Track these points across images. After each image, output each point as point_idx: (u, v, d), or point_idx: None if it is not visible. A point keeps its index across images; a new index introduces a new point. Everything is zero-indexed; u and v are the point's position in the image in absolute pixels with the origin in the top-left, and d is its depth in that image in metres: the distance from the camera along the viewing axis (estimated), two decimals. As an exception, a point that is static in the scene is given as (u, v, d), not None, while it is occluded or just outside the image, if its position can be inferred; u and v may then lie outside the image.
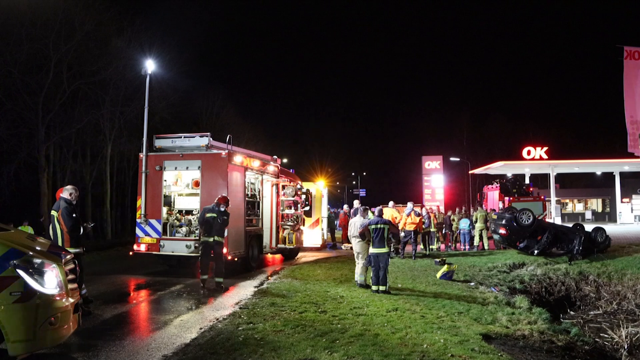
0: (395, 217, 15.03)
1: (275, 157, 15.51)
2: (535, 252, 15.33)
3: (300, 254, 16.62)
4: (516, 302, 9.34)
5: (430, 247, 17.53)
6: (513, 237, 15.89)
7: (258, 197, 13.46)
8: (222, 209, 9.91)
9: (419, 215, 15.79)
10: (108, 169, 27.16)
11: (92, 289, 8.87)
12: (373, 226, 9.45)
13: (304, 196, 15.69)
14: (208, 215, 9.86)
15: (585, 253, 14.64)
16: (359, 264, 10.12)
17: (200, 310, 7.90)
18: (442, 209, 25.25)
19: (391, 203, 16.87)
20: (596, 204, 46.96)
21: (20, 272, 4.46)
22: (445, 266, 11.42)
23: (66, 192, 7.70)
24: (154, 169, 11.89)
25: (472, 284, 11.01)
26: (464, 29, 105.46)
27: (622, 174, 36.28)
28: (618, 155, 32.05)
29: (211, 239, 9.77)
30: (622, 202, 35.59)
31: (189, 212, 12.10)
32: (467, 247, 18.61)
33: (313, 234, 18.45)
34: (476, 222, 18.43)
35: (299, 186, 15.45)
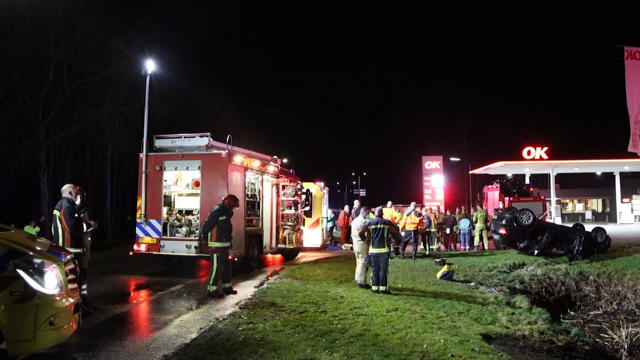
0: (395, 217, 15.02)
1: (275, 157, 15.51)
2: (536, 252, 15.31)
3: (300, 254, 16.62)
4: (516, 302, 9.33)
5: (431, 247, 17.53)
6: (513, 237, 15.88)
7: (258, 197, 13.45)
8: (232, 211, 9.37)
9: (419, 215, 15.78)
10: (108, 169, 27.18)
11: (92, 289, 8.87)
12: (373, 226, 9.45)
13: (304, 196, 15.68)
14: (222, 218, 9.03)
15: (585, 253, 14.63)
16: (359, 264, 10.11)
17: (201, 310, 7.90)
18: (442, 209, 25.25)
19: (389, 203, 16.88)
20: (596, 204, 46.95)
21: (21, 272, 4.46)
22: (446, 266, 11.41)
23: (66, 192, 7.71)
24: (154, 169, 11.88)
25: (472, 284, 11.00)
26: (464, 29, 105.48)
27: (622, 174, 36.30)
28: (618, 155, 32.05)
29: (228, 244, 9.09)
30: (622, 202, 35.61)
31: (189, 212, 12.09)
32: (467, 247, 18.60)
33: (313, 234, 18.45)
34: (476, 222, 18.42)
35: (299, 186, 15.44)
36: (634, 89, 25.60)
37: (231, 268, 9.51)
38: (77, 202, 7.70)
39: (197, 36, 70.29)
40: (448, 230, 18.99)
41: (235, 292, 9.18)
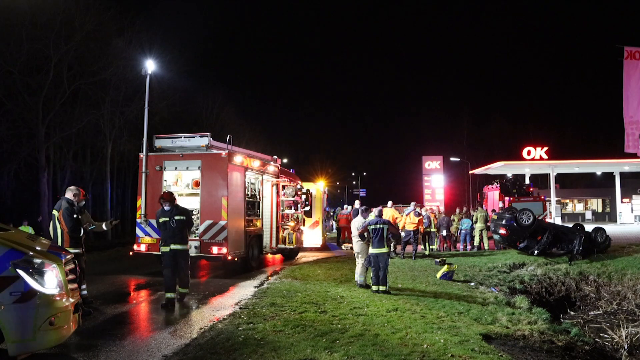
0: (396, 218, 15.02)
1: (275, 157, 15.49)
2: (536, 252, 15.31)
3: (300, 254, 16.62)
4: (516, 302, 9.34)
5: (431, 247, 17.52)
6: (513, 237, 15.88)
7: (258, 197, 13.45)
8: (167, 208, 8.34)
9: (419, 215, 15.77)
10: (108, 169, 27.19)
11: (92, 289, 8.87)
12: (372, 226, 9.45)
13: (304, 196, 15.67)
14: (161, 219, 8.36)
15: (585, 253, 14.63)
16: (359, 264, 10.11)
17: (201, 310, 7.90)
18: (442, 209, 25.25)
19: (390, 203, 16.88)
20: (596, 204, 46.94)
21: (21, 272, 4.46)
22: (446, 266, 11.41)
23: (70, 193, 7.72)
24: (154, 169, 11.88)
25: (472, 284, 11.00)
26: (465, 29, 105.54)
27: (622, 174, 36.29)
28: (618, 155, 31.96)
29: (167, 248, 8.24)
30: (622, 202, 35.59)
31: (189, 212, 12.06)
32: (468, 247, 18.58)
33: (313, 234, 18.45)
34: (476, 222, 18.41)
35: (299, 186, 15.44)
36: (632, 89, 25.62)
37: (171, 279, 8.22)
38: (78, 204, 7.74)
39: (197, 36, 70.42)
40: (444, 232, 18.64)
41: (168, 307, 7.91)
